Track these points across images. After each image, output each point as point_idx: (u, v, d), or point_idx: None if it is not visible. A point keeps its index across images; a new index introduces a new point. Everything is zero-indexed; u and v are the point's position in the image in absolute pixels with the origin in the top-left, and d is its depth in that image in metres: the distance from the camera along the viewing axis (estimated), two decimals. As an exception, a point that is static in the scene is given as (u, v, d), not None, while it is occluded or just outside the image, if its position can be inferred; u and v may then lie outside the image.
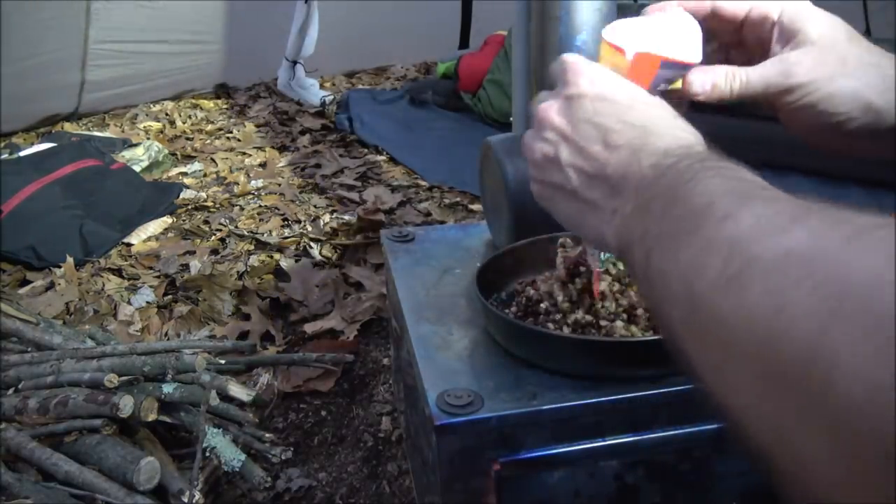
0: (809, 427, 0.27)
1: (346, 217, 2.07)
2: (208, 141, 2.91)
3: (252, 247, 1.93)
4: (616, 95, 0.49)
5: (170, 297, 1.68)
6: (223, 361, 1.32)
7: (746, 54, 0.57)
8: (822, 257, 0.29)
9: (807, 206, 0.33)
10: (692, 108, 0.56)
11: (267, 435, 1.23)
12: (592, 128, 0.48)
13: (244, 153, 2.74)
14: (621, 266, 0.82)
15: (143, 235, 2.03)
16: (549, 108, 0.51)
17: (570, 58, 0.52)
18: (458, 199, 2.20)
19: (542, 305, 0.80)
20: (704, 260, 0.35)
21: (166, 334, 1.55)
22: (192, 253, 1.91)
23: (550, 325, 0.78)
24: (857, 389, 0.24)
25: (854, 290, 0.26)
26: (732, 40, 0.58)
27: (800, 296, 0.28)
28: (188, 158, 2.71)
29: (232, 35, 3.31)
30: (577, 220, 0.50)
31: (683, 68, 0.55)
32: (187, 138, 2.94)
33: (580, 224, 0.50)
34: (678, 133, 0.47)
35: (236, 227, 2.07)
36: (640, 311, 0.78)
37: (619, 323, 0.76)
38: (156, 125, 3.08)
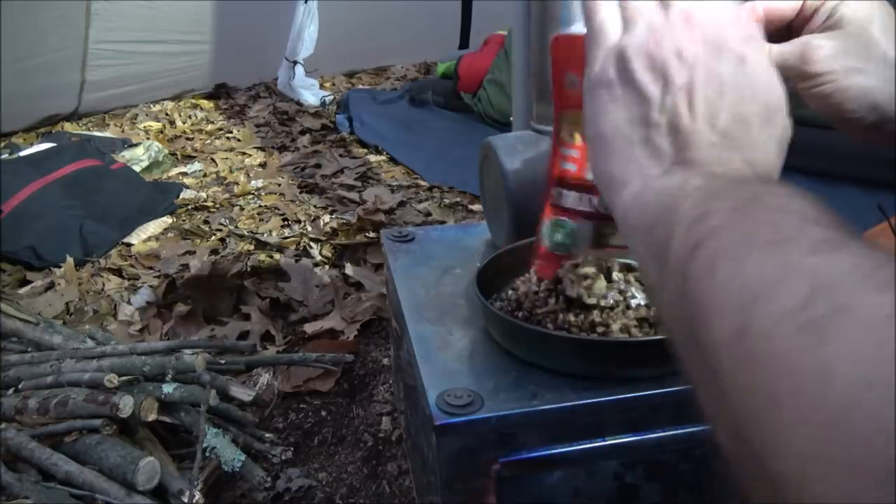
0: None
1: (346, 217, 2.07)
2: (208, 141, 2.91)
3: (252, 247, 1.93)
4: (755, 76, 0.42)
5: (170, 297, 1.68)
6: (223, 361, 1.32)
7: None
8: None
9: None
10: None
11: (267, 435, 1.23)
12: (718, 90, 0.41)
13: (244, 153, 2.74)
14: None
15: (143, 235, 2.03)
16: (713, 23, 0.42)
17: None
18: (458, 199, 2.21)
19: (525, 305, 0.81)
20: (778, 285, 0.29)
21: (166, 334, 1.55)
22: (192, 253, 1.91)
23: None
24: None
25: None
26: (783, 38, 0.53)
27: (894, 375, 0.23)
28: (188, 158, 2.71)
29: (232, 35, 3.31)
30: (616, 144, 0.42)
31: None
32: (187, 138, 2.95)
33: (615, 151, 0.42)
34: (763, 155, 0.41)
35: (236, 227, 2.07)
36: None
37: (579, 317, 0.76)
38: (156, 125, 3.08)
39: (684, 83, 0.41)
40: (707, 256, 0.34)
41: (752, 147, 0.41)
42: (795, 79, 0.51)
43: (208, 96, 3.47)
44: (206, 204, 2.24)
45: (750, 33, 0.43)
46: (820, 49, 0.50)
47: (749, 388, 0.29)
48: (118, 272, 1.83)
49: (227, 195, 2.32)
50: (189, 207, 2.21)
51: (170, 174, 2.53)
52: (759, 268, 0.31)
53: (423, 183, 2.36)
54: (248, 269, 1.75)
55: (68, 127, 2.99)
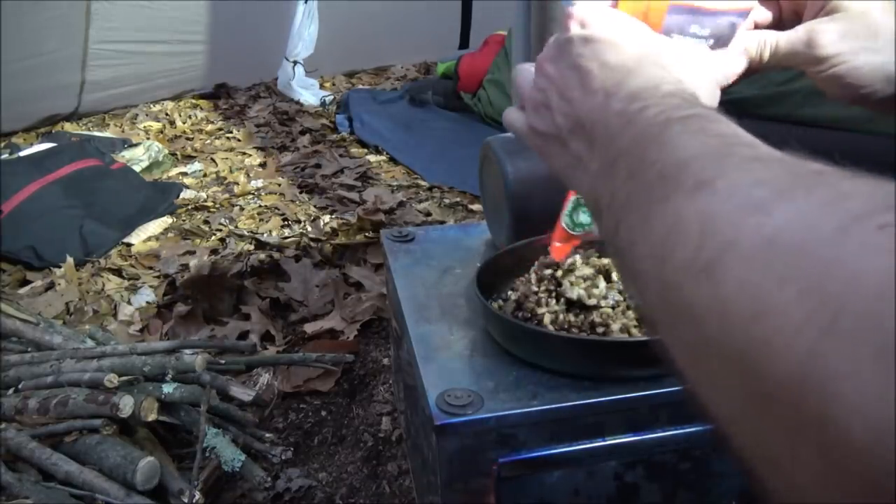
0: (797, 452, 0.23)
1: (346, 217, 2.07)
2: (208, 141, 2.91)
3: (252, 247, 1.93)
4: (602, 35, 0.45)
5: (170, 297, 1.68)
6: (223, 361, 1.32)
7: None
8: (810, 251, 0.24)
9: (795, 173, 0.28)
10: None
11: (267, 435, 1.23)
12: (575, 72, 0.45)
13: (244, 153, 2.74)
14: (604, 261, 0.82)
15: (143, 235, 2.03)
16: (544, 56, 0.49)
17: (572, 4, 0.50)
18: (458, 199, 2.20)
19: (525, 306, 0.81)
20: (675, 238, 0.30)
21: (166, 334, 1.55)
22: (192, 253, 1.90)
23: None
24: (857, 427, 0.20)
25: (852, 303, 0.21)
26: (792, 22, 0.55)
27: (784, 301, 0.23)
28: (188, 158, 2.71)
29: (232, 35, 3.31)
30: (566, 172, 0.47)
31: (698, 15, 0.51)
32: (187, 138, 2.94)
33: (568, 176, 0.47)
34: (656, 70, 0.42)
35: (236, 227, 2.07)
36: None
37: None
38: (156, 125, 3.08)
39: (552, 94, 0.46)
40: (625, 235, 0.36)
41: (627, 85, 0.42)
42: (806, 65, 0.52)
43: (208, 96, 3.46)
44: (206, 204, 2.24)
45: (582, 19, 0.48)
46: (825, 33, 0.51)
47: (675, 345, 0.30)
48: (118, 272, 1.83)
49: (227, 195, 2.32)
50: (189, 207, 2.21)
51: (170, 174, 2.53)
52: (659, 228, 0.32)
53: (423, 183, 2.36)
54: (248, 269, 1.75)
55: (68, 127, 2.99)
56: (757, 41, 0.53)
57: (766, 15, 0.56)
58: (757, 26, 0.56)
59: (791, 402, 0.23)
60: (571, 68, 0.45)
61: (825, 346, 0.22)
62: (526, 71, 0.52)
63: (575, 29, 0.47)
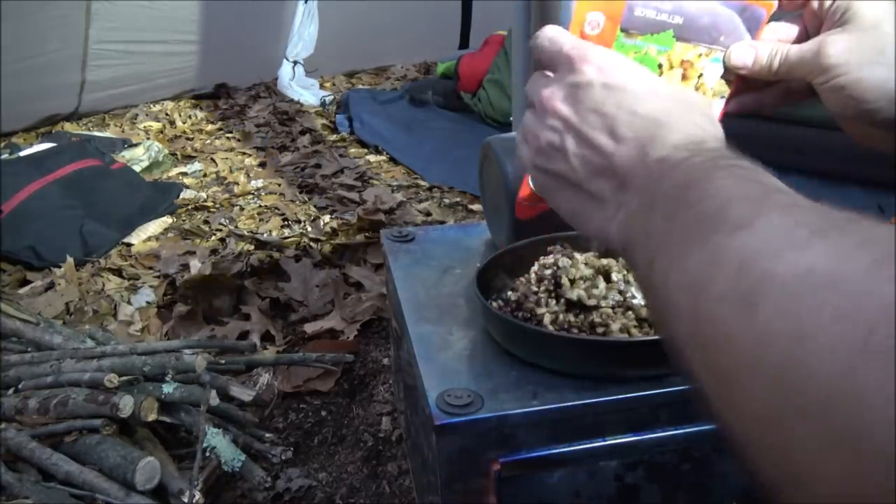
0: (825, 466, 0.25)
1: (346, 217, 2.07)
2: (208, 141, 2.91)
3: (252, 247, 1.93)
4: (628, 84, 0.46)
5: (170, 297, 1.68)
6: (223, 361, 1.32)
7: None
8: (845, 282, 0.26)
9: (829, 218, 0.30)
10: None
11: (267, 435, 1.23)
12: (600, 118, 0.45)
13: (244, 153, 2.74)
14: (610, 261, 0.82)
15: (143, 235, 2.03)
16: (553, 96, 0.48)
17: (571, 41, 0.48)
18: (458, 199, 2.20)
19: (525, 306, 0.81)
20: (713, 272, 0.32)
21: (166, 334, 1.55)
22: (192, 253, 1.90)
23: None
24: (888, 438, 0.22)
25: (883, 325, 0.23)
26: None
27: (821, 324, 0.25)
28: (188, 158, 2.71)
29: (232, 35, 3.31)
30: (580, 212, 0.47)
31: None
32: (187, 138, 2.95)
33: (583, 217, 0.47)
34: (692, 128, 0.44)
35: (236, 227, 2.07)
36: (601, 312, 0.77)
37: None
38: (156, 125, 3.08)
39: (569, 139, 0.46)
40: (660, 270, 0.37)
41: (663, 137, 0.43)
42: (812, 75, 0.52)
43: (208, 96, 3.46)
44: (206, 204, 2.24)
45: (579, 65, 0.47)
46: (834, 44, 0.51)
47: (705, 372, 0.32)
48: (118, 272, 1.83)
49: (227, 195, 2.32)
50: (189, 207, 2.21)
51: (170, 174, 2.53)
52: (697, 263, 0.33)
53: (423, 183, 2.36)
54: (248, 269, 1.75)
55: (68, 127, 2.99)
56: (769, 49, 0.53)
57: (789, 32, 0.56)
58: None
59: (825, 416, 0.24)
60: (594, 113, 0.45)
61: (858, 362, 0.23)
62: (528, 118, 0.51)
63: (592, 73, 0.46)
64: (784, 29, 0.56)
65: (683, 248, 0.35)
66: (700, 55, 0.54)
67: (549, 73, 0.49)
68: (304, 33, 3.31)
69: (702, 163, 0.39)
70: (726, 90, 0.56)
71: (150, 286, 1.74)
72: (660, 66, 0.54)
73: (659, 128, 0.43)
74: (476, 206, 2.10)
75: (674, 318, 0.35)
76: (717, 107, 0.56)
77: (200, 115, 3.25)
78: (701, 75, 0.55)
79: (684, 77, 0.55)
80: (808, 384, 0.25)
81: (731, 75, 0.55)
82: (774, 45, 0.54)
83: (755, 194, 0.34)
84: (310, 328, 1.53)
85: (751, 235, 0.31)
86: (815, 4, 0.54)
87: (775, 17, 0.55)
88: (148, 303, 1.67)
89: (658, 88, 0.46)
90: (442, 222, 2.04)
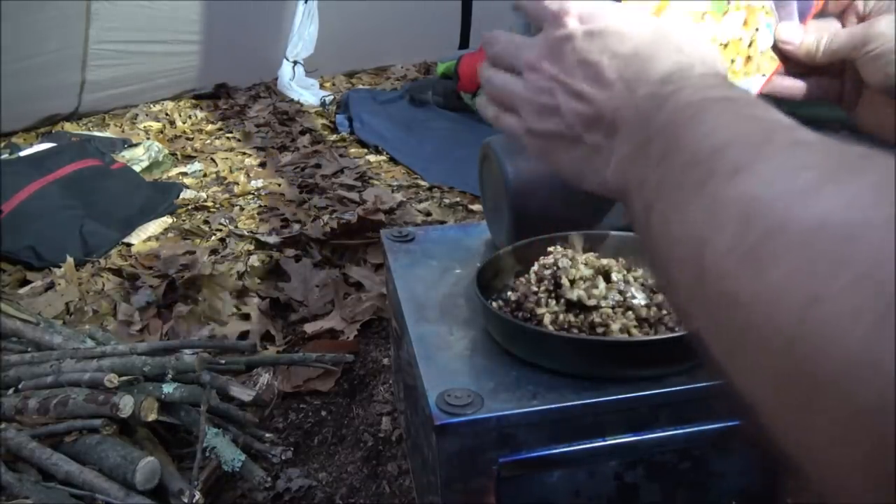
0: (845, 443, 0.22)
1: (346, 217, 2.07)
2: (208, 141, 2.91)
3: (252, 247, 1.93)
4: (608, 27, 0.44)
5: (170, 297, 1.68)
6: (223, 361, 1.32)
7: None
8: (864, 238, 0.23)
9: (838, 157, 0.27)
10: None
11: (267, 435, 1.23)
12: (585, 67, 0.44)
13: (244, 153, 2.74)
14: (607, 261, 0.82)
15: (143, 235, 2.03)
16: (539, 56, 0.46)
17: None
18: (458, 199, 2.20)
19: (525, 306, 0.81)
20: (714, 223, 0.29)
21: (166, 334, 1.55)
22: (192, 253, 1.90)
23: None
24: None
25: None
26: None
27: (838, 288, 0.23)
28: (188, 158, 2.71)
29: (232, 35, 3.31)
30: (580, 167, 0.46)
31: None
32: (187, 138, 2.94)
33: (583, 171, 0.46)
34: (677, 55, 0.42)
35: (236, 227, 2.07)
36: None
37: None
38: (156, 125, 3.08)
39: (559, 94, 0.45)
40: (658, 220, 0.35)
41: (647, 71, 0.41)
42: (857, 50, 0.52)
43: (208, 96, 3.46)
44: (206, 204, 2.24)
45: (579, 13, 0.45)
46: (881, 21, 0.52)
47: (713, 334, 0.29)
48: (118, 272, 1.83)
49: (227, 195, 2.32)
50: (189, 207, 2.21)
51: (170, 174, 2.53)
52: (697, 211, 0.31)
53: (423, 183, 2.36)
54: (248, 269, 1.75)
55: (68, 127, 2.99)
56: (816, 33, 0.54)
57: (831, 25, 0.56)
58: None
59: (846, 389, 0.22)
60: (579, 64, 0.44)
61: (880, 329, 0.21)
62: (500, 75, 0.50)
63: (573, 24, 0.45)
64: (826, 24, 0.56)
65: (681, 194, 0.33)
66: (763, 8, 0.54)
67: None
68: (304, 33, 3.31)
69: (691, 95, 0.37)
70: (771, 65, 0.57)
71: (150, 286, 1.74)
72: (725, 11, 0.54)
73: (643, 62, 0.42)
74: (476, 206, 2.10)
75: (676, 272, 0.33)
76: (757, 83, 0.57)
77: (200, 115, 3.25)
78: (758, 29, 0.55)
79: (745, 23, 0.55)
80: (828, 354, 0.22)
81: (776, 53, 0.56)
82: (821, 31, 0.54)
83: (755, 131, 0.32)
84: (310, 328, 1.53)
85: (752, 179, 0.29)
86: (860, 5, 0.55)
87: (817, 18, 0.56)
88: (148, 303, 1.67)
89: (640, 26, 0.44)
90: (442, 222, 2.04)
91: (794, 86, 0.58)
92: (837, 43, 0.53)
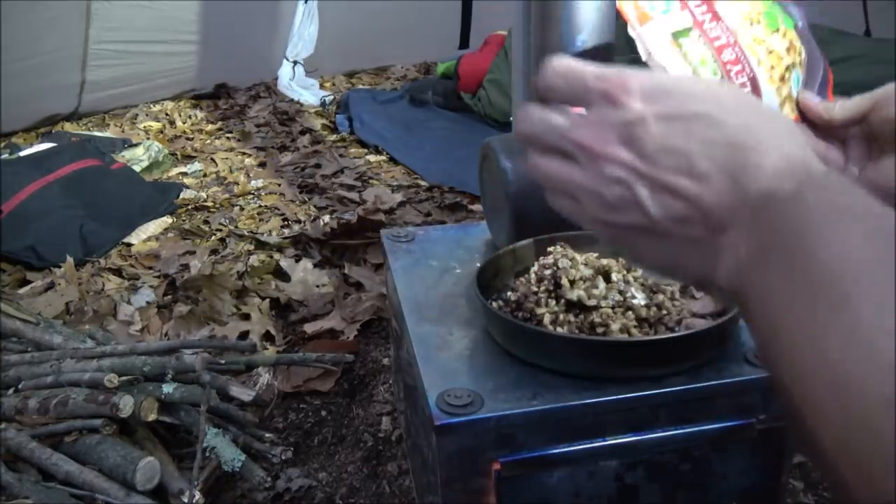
0: None
1: (346, 217, 2.07)
2: (208, 141, 2.91)
3: (252, 247, 1.93)
4: (687, 107, 0.39)
5: (170, 297, 1.68)
6: (223, 361, 1.32)
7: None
8: None
9: None
10: None
11: (267, 435, 1.23)
12: (669, 156, 0.38)
13: (244, 153, 2.74)
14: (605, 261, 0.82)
15: (143, 235, 2.03)
16: (604, 141, 0.40)
17: (594, 71, 0.41)
18: (458, 199, 2.20)
19: (525, 306, 0.81)
20: (863, 370, 0.28)
21: (166, 334, 1.55)
22: (192, 253, 1.91)
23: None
24: None
25: None
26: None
27: None
28: (188, 158, 2.71)
29: (232, 35, 3.31)
30: (674, 259, 0.41)
31: None
32: (187, 138, 2.95)
33: (679, 263, 0.41)
34: (787, 146, 0.37)
35: (236, 227, 2.07)
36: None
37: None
38: (156, 125, 3.08)
39: (640, 188, 0.40)
40: (788, 342, 0.33)
41: (755, 163, 0.37)
42: (879, 107, 0.53)
43: (208, 96, 3.46)
44: (206, 204, 2.24)
45: (643, 92, 0.40)
46: None
47: (860, 480, 0.29)
48: (118, 272, 1.83)
49: (227, 195, 2.32)
50: (189, 207, 2.21)
51: (170, 174, 2.53)
52: (834, 347, 0.29)
53: (423, 183, 2.36)
54: (248, 269, 1.75)
55: (68, 127, 2.99)
56: (834, 103, 0.56)
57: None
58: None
59: None
60: (661, 153, 0.38)
61: None
62: (550, 162, 0.43)
63: (638, 105, 0.39)
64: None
65: (813, 316, 0.31)
66: (801, 56, 0.56)
67: (566, 110, 0.42)
68: (304, 33, 3.31)
69: (815, 199, 0.34)
70: (791, 115, 0.59)
71: (150, 286, 1.74)
72: (777, 30, 0.55)
73: (746, 152, 0.37)
74: (476, 206, 2.10)
75: (813, 411, 0.31)
76: None
77: (200, 115, 3.25)
78: (792, 67, 0.57)
79: (788, 50, 0.56)
80: None
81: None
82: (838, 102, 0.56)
83: (885, 251, 0.30)
84: (310, 328, 1.53)
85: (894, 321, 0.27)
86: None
87: None
88: (148, 303, 1.67)
89: (724, 102, 0.39)
90: (442, 222, 2.04)
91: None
92: (855, 101, 0.54)
